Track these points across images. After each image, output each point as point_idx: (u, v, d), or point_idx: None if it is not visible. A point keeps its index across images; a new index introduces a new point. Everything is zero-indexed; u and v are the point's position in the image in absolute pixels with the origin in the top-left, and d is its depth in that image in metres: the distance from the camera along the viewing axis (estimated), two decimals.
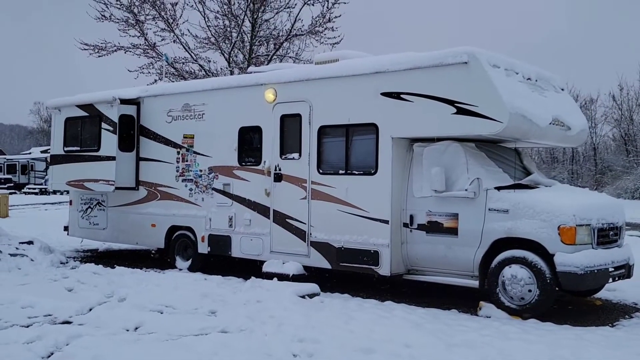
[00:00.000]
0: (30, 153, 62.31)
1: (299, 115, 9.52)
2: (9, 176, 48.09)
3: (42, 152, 64.16)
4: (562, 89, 9.54)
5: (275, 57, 21.77)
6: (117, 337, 6.20)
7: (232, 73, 21.07)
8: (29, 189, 44.75)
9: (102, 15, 20.62)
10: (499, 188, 7.96)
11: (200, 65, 21.40)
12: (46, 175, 46.37)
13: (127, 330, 6.50)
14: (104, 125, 11.56)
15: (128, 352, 5.66)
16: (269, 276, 9.21)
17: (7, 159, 53.53)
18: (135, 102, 11.65)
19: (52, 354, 5.69)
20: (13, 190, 40.27)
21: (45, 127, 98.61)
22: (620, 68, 65.97)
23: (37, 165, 49.60)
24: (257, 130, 10.05)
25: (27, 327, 6.66)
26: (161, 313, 7.20)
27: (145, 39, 21.07)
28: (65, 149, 12.39)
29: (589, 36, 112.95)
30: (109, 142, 11.48)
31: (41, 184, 44.94)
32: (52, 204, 31.87)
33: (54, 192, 34.66)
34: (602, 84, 67.77)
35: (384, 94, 8.63)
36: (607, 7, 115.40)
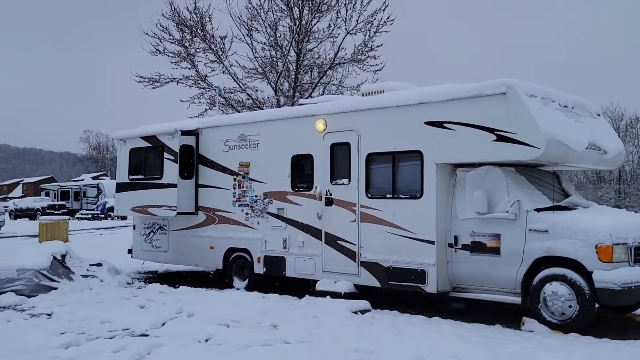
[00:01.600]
0: (82, 180, 64.74)
1: (347, 144, 10.22)
2: (63, 202, 49.97)
3: (92, 178, 66.68)
4: (598, 115, 10.01)
5: (319, 84, 22.57)
6: (191, 348, 6.92)
7: (278, 101, 21.95)
8: (82, 214, 46.45)
9: (156, 49, 21.80)
10: (538, 210, 8.46)
11: (248, 94, 22.34)
12: (98, 201, 48.19)
13: (199, 342, 7.21)
14: (166, 154, 12.49)
15: (203, 359, 6.37)
16: (322, 294, 9.85)
17: (61, 186, 55.69)
18: (195, 133, 12.56)
19: None
20: (67, 217, 41.93)
21: (94, 154, 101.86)
22: None
23: (89, 191, 51.43)
24: (308, 158, 10.78)
25: (111, 339, 7.45)
26: (228, 326, 7.90)
27: (196, 70, 22.13)
28: (130, 177, 13.37)
29: (635, 56, 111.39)
30: (170, 170, 12.39)
31: (93, 210, 46.61)
32: (106, 228, 33.16)
33: (122, 218, 36.11)
34: None
35: (427, 123, 9.26)
36: None
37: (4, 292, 10.25)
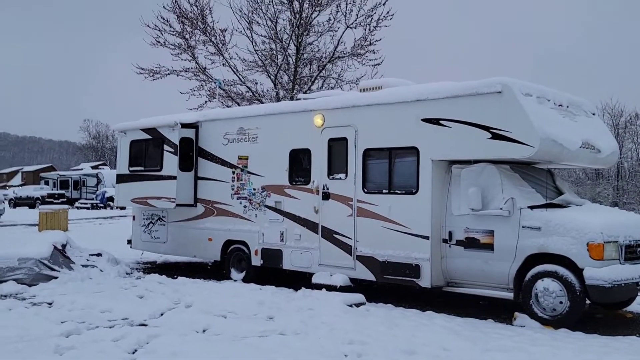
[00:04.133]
0: (81, 169, 64.81)
1: (345, 139, 10.35)
2: (62, 191, 50.12)
3: (92, 167, 66.76)
4: (593, 114, 10.14)
5: (318, 78, 22.68)
6: (189, 337, 7.08)
7: (277, 94, 22.07)
8: (81, 203, 46.57)
9: (157, 41, 21.88)
10: (532, 207, 8.60)
11: (247, 87, 22.45)
12: (97, 190, 48.32)
13: (197, 332, 7.36)
14: (166, 147, 12.62)
15: (201, 349, 6.53)
16: (318, 287, 10.01)
17: (60, 175, 55.79)
18: (194, 125, 12.68)
19: (135, 350, 6.59)
20: (67, 206, 42.09)
21: (94, 143, 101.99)
22: None
23: (88, 180, 51.56)
24: (306, 153, 10.92)
25: (110, 328, 7.60)
26: (225, 317, 8.06)
27: (197, 62, 22.22)
28: (130, 168, 13.50)
29: (636, 52, 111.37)
30: (170, 162, 12.53)
31: (92, 199, 46.74)
32: (105, 218, 33.34)
33: (121, 208, 36.25)
34: None
35: (424, 120, 9.39)
36: None
37: (5, 281, 10.41)
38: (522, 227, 8.52)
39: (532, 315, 8.33)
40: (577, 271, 8.03)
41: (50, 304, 9.10)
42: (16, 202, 46.80)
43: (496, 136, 8.63)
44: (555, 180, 9.71)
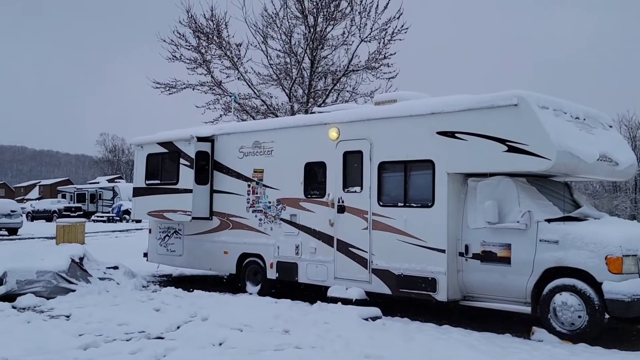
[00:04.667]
0: (98, 182, 65.41)
1: (360, 152, 10.37)
2: (79, 205, 50.55)
3: (108, 181, 67.34)
4: (610, 126, 10.08)
5: (333, 91, 22.73)
6: (206, 351, 7.10)
7: (292, 108, 22.15)
8: (97, 217, 46.96)
9: (173, 56, 22.09)
10: (549, 220, 8.55)
11: (262, 100, 22.55)
12: (113, 203, 48.68)
13: (213, 345, 7.39)
14: (182, 160, 12.72)
15: None
16: (334, 300, 9.99)
17: (77, 188, 56.35)
18: (210, 139, 12.78)
19: None
20: (84, 219, 42.44)
21: (110, 157, 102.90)
22: None
23: (104, 194, 51.98)
24: (321, 166, 10.95)
25: (127, 340, 7.65)
26: (241, 331, 8.08)
27: (212, 76, 22.36)
28: (147, 182, 13.61)
29: None
30: (186, 176, 12.61)
31: (108, 212, 47.08)
32: (121, 231, 33.56)
33: (136, 221, 36.60)
34: None
35: (439, 133, 9.39)
36: None
37: (24, 294, 10.51)
38: (540, 240, 8.46)
39: (550, 330, 8.24)
40: (596, 285, 7.95)
41: (68, 316, 9.17)
42: (34, 216, 47.28)
43: (512, 149, 8.59)
44: (573, 193, 9.65)
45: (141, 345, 7.21)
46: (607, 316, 8.10)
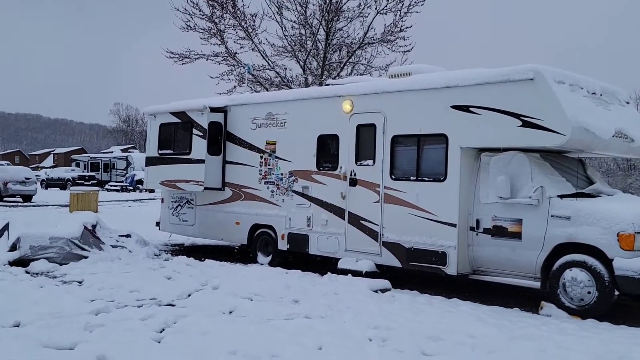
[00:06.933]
0: (111, 152, 65.75)
1: (373, 125, 10.32)
2: (93, 174, 50.93)
3: (122, 150, 67.65)
4: (627, 102, 9.94)
5: (347, 64, 22.58)
6: (216, 318, 7.18)
7: (306, 80, 22.04)
8: (111, 186, 47.31)
9: (187, 25, 21.98)
10: (561, 196, 8.50)
11: (276, 72, 22.45)
12: (127, 173, 49.00)
13: (224, 313, 7.47)
14: (194, 131, 12.73)
15: (228, 329, 6.61)
16: (344, 272, 10.04)
17: (91, 157, 56.69)
18: (223, 110, 12.76)
19: (163, 329, 6.70)
20: (98, 188, 42.80)
21: (123, 126, 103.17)
22: None
23: (118, 163, 52.27)
24: (334, 138, 10.92)
25: (139, 307, 7.74)
26: (251, 300, 8.16)
27: (226, 47, 22.27)
28: (160, 152, 13.65)
29: None
30: (199, 146, 12.64)
31: (122, 182, 47.40)
32: (134, 200, 33.81)
33: (150, 191, 36.92)
34: None
35: (453, 107, 9.31)
36: None
37: (37, 259, 10.66)
38: (551, 216, 8.42)
39: (559, 305, 8.26)
40: (607, 261, 7.93)
41: (80, 282, 9.30)
42: (48, 183, 47.70)
43: (527, 124, 8.51)
44: (587, 170, 9.57)
45: (152, 312, 7.30)
46: (616, 293, 8.09)
